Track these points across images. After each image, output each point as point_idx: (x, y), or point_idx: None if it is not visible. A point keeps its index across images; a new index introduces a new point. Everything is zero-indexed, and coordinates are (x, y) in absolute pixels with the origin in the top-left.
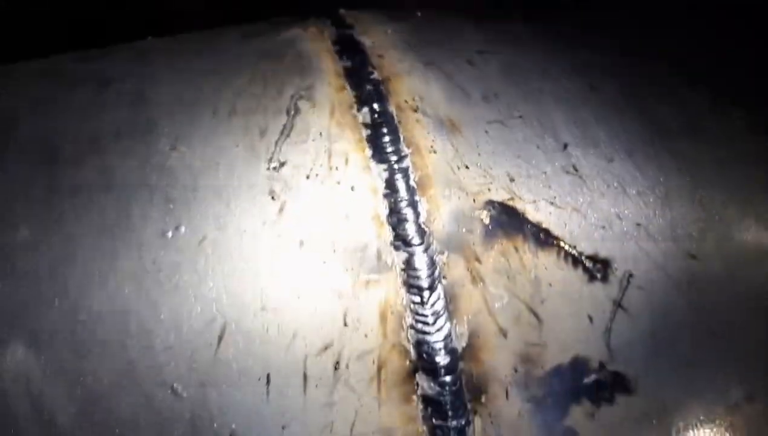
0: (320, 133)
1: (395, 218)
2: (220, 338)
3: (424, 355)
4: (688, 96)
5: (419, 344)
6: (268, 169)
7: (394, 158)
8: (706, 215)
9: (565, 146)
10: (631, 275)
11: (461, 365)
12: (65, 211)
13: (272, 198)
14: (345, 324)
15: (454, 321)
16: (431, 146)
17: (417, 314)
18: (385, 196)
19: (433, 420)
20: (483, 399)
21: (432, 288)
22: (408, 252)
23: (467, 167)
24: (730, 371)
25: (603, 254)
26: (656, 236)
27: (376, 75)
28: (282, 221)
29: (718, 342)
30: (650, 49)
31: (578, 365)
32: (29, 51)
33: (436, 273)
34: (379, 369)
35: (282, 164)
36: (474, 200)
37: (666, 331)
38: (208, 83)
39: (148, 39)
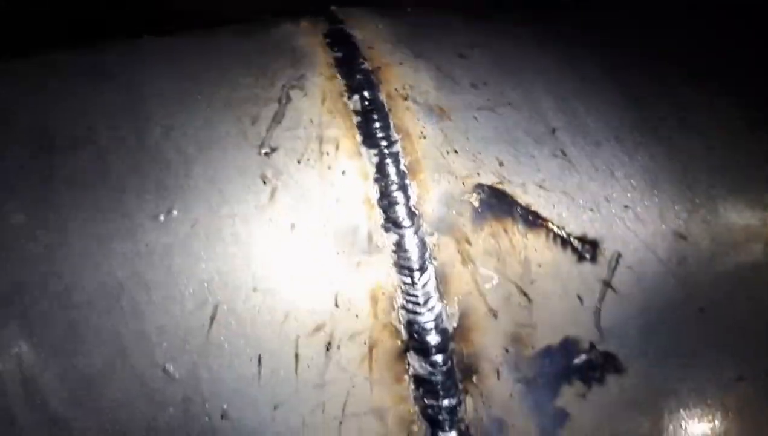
0: (311, 121)
1: (386, 201)
2: (212, 320)
3: (415, 335)
4: (677, 87)
5: (410, 324)
6: (260, 154)
7: (384, 144)
8: (694, 197)
9: (554, 131)
10: (620, 256)
11: (452, 345)
12: (60, 197)
13: (264, 183)
14: (336, 305)
15: (445, 302)
16: (421, 132)
17: (408, 294)
18: (376, 180)
19: (425, 400)
20: (474, 379)
21: (422, 269)
22: (398, 234)
23: (456, 152)
24: (721, 350)
25: (592, 235)
26: (644, 217)
27: (366, 65)
28: (273, 205)
29: (707, 321)
30: (644, 46)
31: (568, 346)
32: (29, 51)
33: (427, 254)
34: (371, 349)
35: (273, 150)
36: (463, 184)
37: (656, 311)
38: (202, 75)
39: (144, 36)
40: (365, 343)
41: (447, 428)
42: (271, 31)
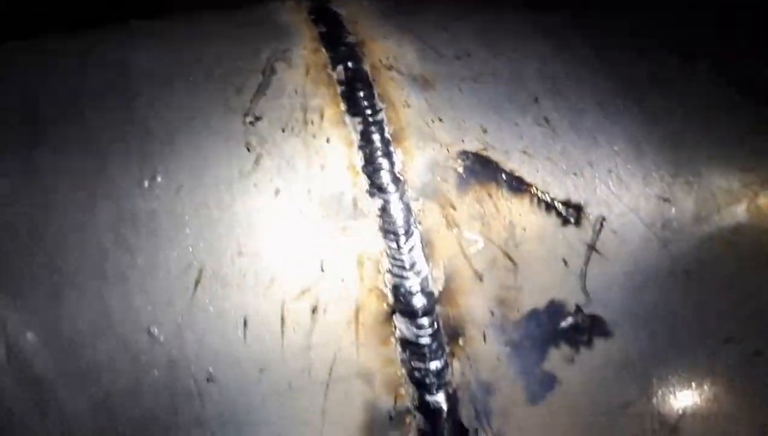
0: (295, 91)
1: (370, 168)
2: (197, 283)
3: (401, 298)
4: (658, 55)
5: (396, 288)
6: (244, 123)
7: (368, 112)
8: (677, 161)
9: (537, 100)
10: (604, 220)
11: (438, 308)
12: (44, 166)
13: (248, 150)
14: (322, 270)
15: (431, 265)
16: (405, 101)
17: (393, 258)
18: (360, 147)
19: (412, 363)
20: (461, 342)
21: (408, 233)
22: (383, 199)
23: (441, 120)
24: (707, 312)
25: (576, 199)
26: (628, 181)
27: (350, 39)
28: (258, 172)
29: (692, 284)
30: (625, 17)
31: (555, 309)
32: None
33: (412, 219)
34: (357, 313)
35: (257, 119)
36: (448, 151)
37: (641, 274)
38: (187, 50)
39: (131, 21)
40: (351, 306)
41: (434, 391)
42: (255, 9)
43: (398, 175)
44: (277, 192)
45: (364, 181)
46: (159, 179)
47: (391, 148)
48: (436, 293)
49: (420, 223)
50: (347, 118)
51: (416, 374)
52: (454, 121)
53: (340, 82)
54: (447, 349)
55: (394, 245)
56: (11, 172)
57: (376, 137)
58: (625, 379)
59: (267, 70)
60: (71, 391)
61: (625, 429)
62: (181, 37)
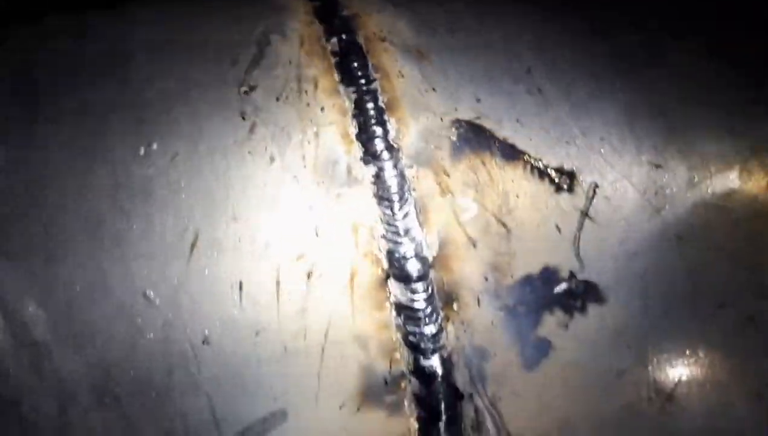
0: (290, 61)
1: (364, 136)
2: (193, 247)
3: (396, 263)
4: (649, 24)
5: (390, 254)
6: (239, 93)
7: (362, 82)
8: (669, 127)
9: (530, 70)
10: (596, 186)
11: (432, 273)
12: (42, 135)
13: (243, 119)
14: (317, 235)
15: (425, 231)
16: (399, 72)
17: (388, 224)
18: (354, 116)
19: (407, 327)
20: (455, 307)
21: (402, 200)
22: (377, 166)
23: (434, 90)
24: (700, 277)
25: (568, 166)
26: (620, 148)
27: (345, 12)
28: (252, 139)
29: (684, 249)
30: None
31: (548, 274)
32: None
33: (406, 186)
34: (352, 278)
35: (252, 89)
36: (441, 119)
37: (634, 240)
38: (183, 25)
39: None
40: (346, 272)
41: (429, 355)
42: None
43: (392, 142)
44: (271, 159)
45: (358, 149)
46: (155, 147)
47: (385, 117)
48: (431, 259)
49: (414, 190)
50: (341, 88)
51: (411, 338)
52: (448, 90)
53: (334, 54)
54: (441, 314)
55: (388, 211)
56: (9, 141)
57: (369, 106)
58: (619, 345)
59: (262, 42)
60: (67, 353)
61: (621, 397)
62: (178, 13)
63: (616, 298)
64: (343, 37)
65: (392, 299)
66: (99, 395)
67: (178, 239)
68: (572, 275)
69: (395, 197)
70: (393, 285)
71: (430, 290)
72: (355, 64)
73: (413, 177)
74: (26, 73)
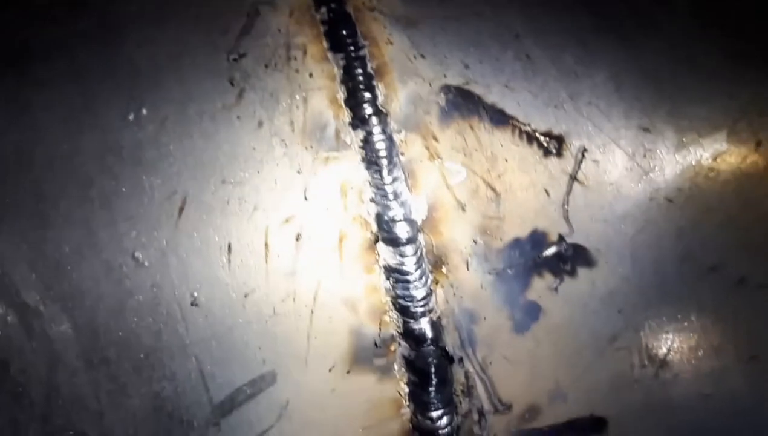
0: (279, 30)
1: (353, 101)
2: (181, 210)
3: (385, 226)
4: None
5: (379, 217)
6: (228, 60)
7: (351, 48)
8: (657, 91)
9: (518, 36)
10: (585, 150)
11: (421, 236)
12: (33, 100)
13: (232, 84)
14: (305, 198)
15: (413, 195)
16: (388, 39)
17: (377, 188)
18: (343, 81)
19: (396, 290)
20: (444, 270)
21: (390, 164)
22: (366, 131)
23: (423, 57)
24: (691, 241)
25: (557, 131)
26: (609, 112)
27: None
28: (241, 105)
29: (674, 211)
30: None
31: (537, 238)
32: None
33: (394, 150)
34: (341, 240)
35: (242, 56)
36: (430, 85)
37: (623, 203)
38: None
39: None
40: (335, 234)
41: (418, 318)
42: None
43: (380, 107)
44: (260, 124)
45: (346, 114)
46: (144, 112)
47: (374, 83)
48: (419, 222)
49: (402, 154)
50: (330, 55)
51: (400, 301)
52: (437, 57)
53: (323, 23)
54: (430, 277)
55: (377, 175)
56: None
57: (358, 72)
58: (610, 310)
59: (252, 13)
60: (56, 314)
61: (613, 363)
62: None
63: (606, 261)
64: (332, 6)
65: (381, 261)
66: (87, 357)
67: (166, 201)
68: (561, 239)
69: (384, 162)
70: (382, 248)
71: (419, 253)
72: (344, 32)
73: (402, 141)
74: (18, 44)
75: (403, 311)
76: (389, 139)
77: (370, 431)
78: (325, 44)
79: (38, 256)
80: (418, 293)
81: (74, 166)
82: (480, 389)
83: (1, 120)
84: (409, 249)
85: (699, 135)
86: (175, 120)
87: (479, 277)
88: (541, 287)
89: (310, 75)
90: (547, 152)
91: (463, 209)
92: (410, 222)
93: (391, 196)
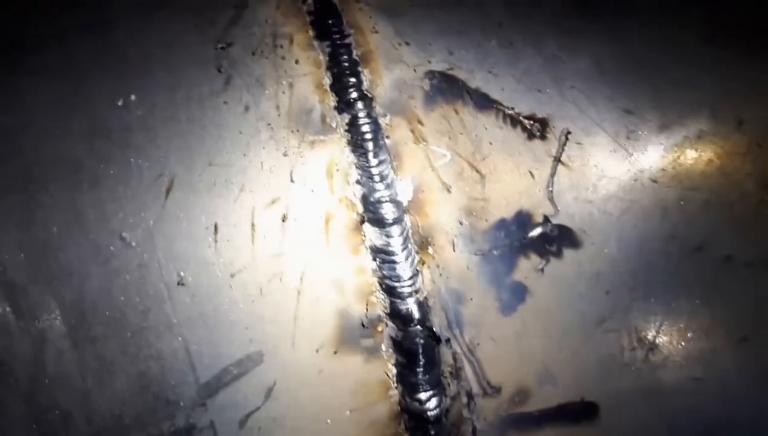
0: (266, 21)
1: (338, 86)
2: (168, 191)
3: (371, 207)
4: None
5: (365, 198)
6: (216, 49)
7: (336, 36)
8: (639, 74)
9: (501, 25)
10: (568, 133)
11: (407, 217)
12: (24, 86)
13: (219, 71)
14: (292, 180)
15: (399, 177)
16: (373, 27)
17: (362, 169)
18: (329, 67)
19: (383, 270)
20: (430, 250)
21: (376, 147)
22: (351, 114)
23: (408, 44)
24: (676, 220)
25: (540, 114)
26: (592, 96)
27: None
28: (228, 90)
29: (659, 191)
30: None
31: (522, 219)
32: None
33: (380, 133)
34: (327, 221)
35: (229, 45)
36: (415, 70)
37: (607, 183)
38: None
39: None
40: (321, 215)
41: (405, 298)
42: None
43: (366, 92)
44: (246, 108)
45: (332, 99)
46: (133, 98)
47: (359, 69)
48: (405, 203)
49: (388, 137)
50: (316, 43)
51: (387, 281)
52: (421, 44)
53: (309, 13)
54: (417, 257)
55: (362, 158)
56: None
57: (344, 58)
58: (597, 291)
59: (239, 4)
60: (43, 293)
61: (602, 346)
62: None
63: (592, 242)
64: None
65: (368, 242)
66: (74, 336)
67: (154, 183)
68: (546, 220)
69: (369, 144)
70: (368, 229)
71: (405, 234)
72: (330, 21)
73: (387, 125)
74: (12, 36)
75: (390, 292)
76: (374, 123)
77: (358, 414)
78: (311, 33)
79: (26, 236)
80: (405, 273)
81: (63, 149)
82: (468, 370)
83: None
84: (395, 230)
85: (681, 116)
86: (162, 105)
87: (465, 258)
88: (527, 268)
89: (296, 62)
90: (531, 135)
91: (449, 191)
92: (396, 203)
93: (376, 178)
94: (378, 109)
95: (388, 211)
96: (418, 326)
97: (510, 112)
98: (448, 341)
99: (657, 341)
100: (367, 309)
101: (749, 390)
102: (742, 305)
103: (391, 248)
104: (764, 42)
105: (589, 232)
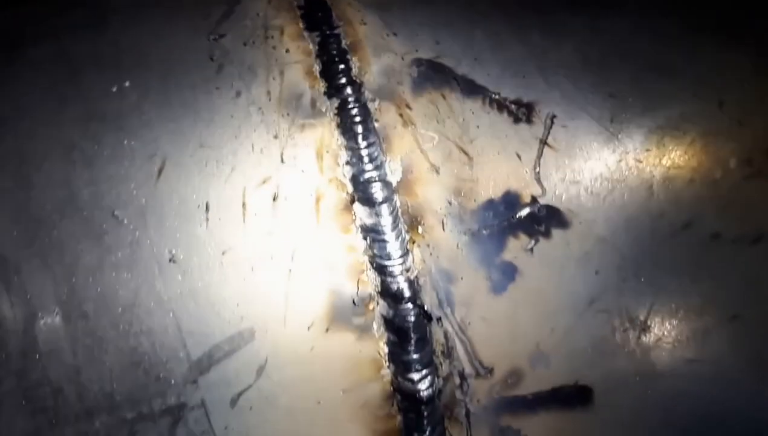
0: (257, 14)
1: (328, 73)
2: (160, 171)
3: (360, 187)
4: None
5: (355, 178)
6: (209, 40)
7: (326, 28)
8: (621, 61)
9: (486, 17)
10: (554, 116)
11: (396, 197)
12: (20, 74)
13: (211, 59)
14: (282, 161)
15: (388, 158)
16: (361, 20)
17: (352, 151)
18: (318, 56)
19: (373, 249)
20: (420, 230)
21: (365, 130)
22: (341, 99)
23: (395, 35)
24: (661, 200)
25: (526, 99)
26: (575, 82)
27: None
28: (220, 77)
29: (644, 172)
30: None
31: (511, 199)
32: None
33: (369, 117)
34: (317, 201)
35: (222, 36)
36: (402, 59)
37: (593, 165)
38: None
39: None
40: (311, 195)
41: (395, 276)
42: None
43: (354, 78)
44: (237, 94)
45: (322, 85)
46: (127, 84)
47: (348, 57)
48: (395, 183)
49: (377, 120)
50: (306, 34)
51: (378, 260)
52: (408, 35)
53: (300, 7)
54: (407, 237)
55: (352, 140)
56: None
57: (333, 48)
58: (587, 271)
59: (232, 1)
60: (35, 268)
61: (594, 327)
62: None
63: (580, 222)
64: None
65: (358, 222)
66: (65, 311)
67: (146, 163)
68: (534, 200)
69: (358, 128)
70: (358, 208)
71: (394, 213)
72: (320, 14)
73: (376, 109)
74: (11, 32)
75: (381, 270)
76: (363, 107)
77: (351, 394)
78: (301, 25)
79: (20, 214)
80: (395, 251)
81: (57, 132)
82: (460, 350)
83: None
84: (384, 209)
85: (663, 99)
86: (156, 91)
87: (455, 237)
88: (516, 247)
89: (287, 51)
90: (517, 119)
91: (437, 172)
92: (385, 183)
93: (366, 159)
94: (367, 94)
95: (377, 191)
96: (409, 304)
97: (496, 97)
98: (439, 319)
99: (648, 321)
100: (358, 287)
101: (743, 373)
102: (731, 282)
103: (381, 227)
104: (741, 29)
105: (577, 212)
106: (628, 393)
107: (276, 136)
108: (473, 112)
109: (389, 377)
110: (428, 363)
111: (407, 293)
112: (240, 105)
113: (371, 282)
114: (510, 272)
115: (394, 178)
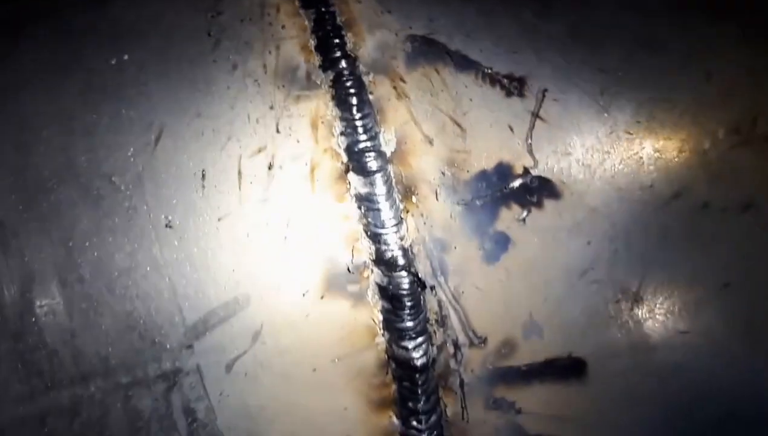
0: None
1: (323, 47)
2: (157, 140)
3: (355, 157)
4: None
5: (349, 148)
6: (206, 18)
7: (321, 5)
8: (611, 38)
9: None
10: (545, 90)
11: (390, 167)
12: (20, 48)
13: (209, 35)
14: (278, 131)
15: (382, 129)
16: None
17: (347, 122)
18: (313, 31)
19: (368, 218)
20: (414, 200)
21: (360, 102)
22: (335, 72)
23: (390, 12)
24: (652, 170)
25: (518, 74)
26: (566, 58)
27: None
28: (216, 51)
29: (634, 143)
30: None
31: (503, 170)
32: None
33: (363, 89)
34: (312, 170)
35: (219, 14)
36: (396, 35)
37: (584, 137)
38: None
39: None
40: (307, 164)
41: (390, 244)
42: None
43: (349, 52)
44: (234, 67)
45: (317, 59)
46: (126, 58)
47: (343, 33)
48: (389, 154)
49: (371, 93)
50: (302, 11)
51: (372, 228)
52: (402, 12)
53: None
54: (401, 206)
55: (346, 111)
56: None
57: (328, 24)
58: (578, 241)
59: None
60: (33, 232)
61: (587, 297)
62: None
63: (571, 193)
64: None
65: (352, 191)
66: (62, 275)
67: (144, 131)
68: (526, 171)
69: (353, 99)
70: (353, 177)
71: (388, 183)
72: None
73: (370, 82)
74: (11, 12)
75: (375, 238)
76: (358, 80)
77: (346, 361)
78: (297, 3)
79: (18, 179)
80: (389, 220)
81: (58, 103)
82: (454, 319)
83: None
84: (378, 178)
85: (653, 72)
86: (154, 64)
87: (448, 207)
88: (509, 217)
89: (283, 27)
90: (509, 93)
91: (431, 143)
92: (379, 153)
93: (360, 130)
94: (361, 67)
95: (371, 161)
96: (403, 272)
97: (489, 71)
98: (432, 288)
99: (641, 292)
100: (352, 255)
101: (735, 343)
102: (721, 251)
103: (375, 196)
104: (727, 3)
105: (568, 183)
106: (622, 366)
107: (272, 107)
108: (466, 86)
109: (384, 345)
110: (422, 331)
111: (401, 261)
112: (236, 77)
113: (366, 250)
114: (503, 241)
115: (388, 149)
